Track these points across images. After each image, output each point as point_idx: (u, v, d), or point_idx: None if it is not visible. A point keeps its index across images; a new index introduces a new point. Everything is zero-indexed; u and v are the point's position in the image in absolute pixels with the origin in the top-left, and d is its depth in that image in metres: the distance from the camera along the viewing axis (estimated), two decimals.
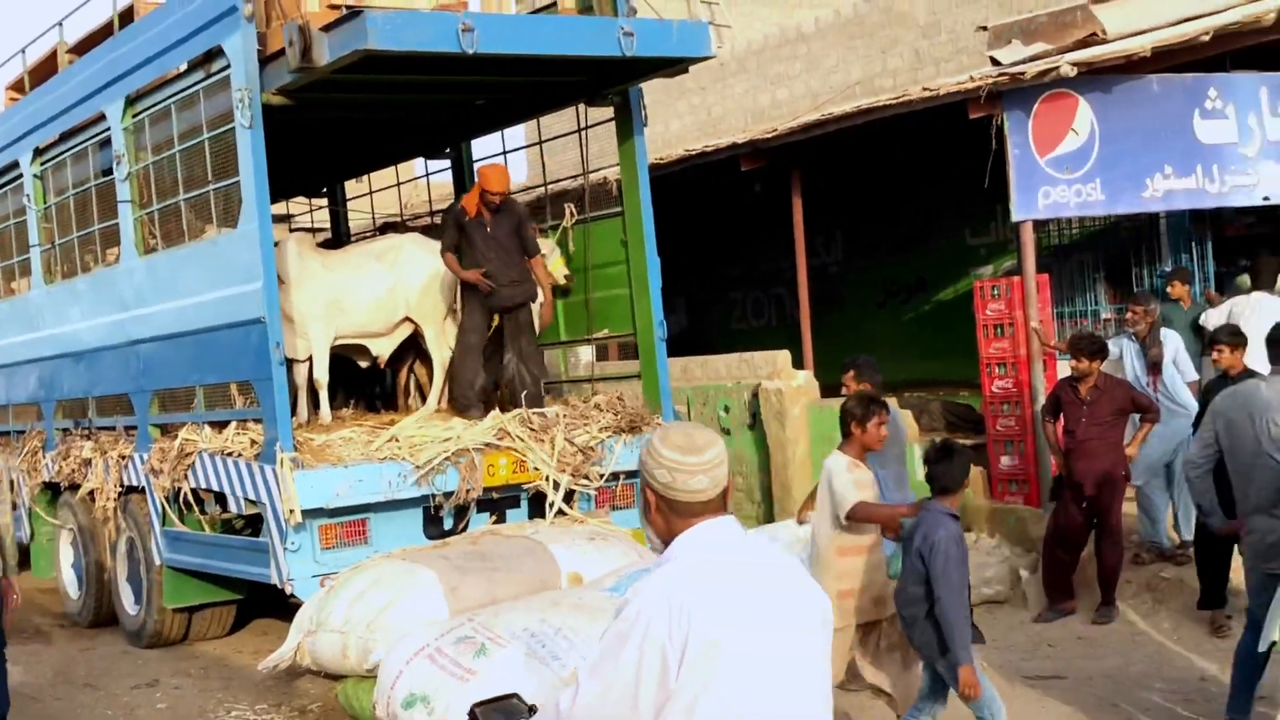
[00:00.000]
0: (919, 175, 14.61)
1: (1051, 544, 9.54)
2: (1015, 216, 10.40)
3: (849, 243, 16.11)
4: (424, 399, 10.77)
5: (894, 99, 11.36)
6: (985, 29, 11.85)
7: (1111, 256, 12.86)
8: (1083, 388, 9.25)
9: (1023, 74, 9.99)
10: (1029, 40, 11.04)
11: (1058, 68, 9.89)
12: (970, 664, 6.10)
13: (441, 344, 10.22)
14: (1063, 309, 12.43)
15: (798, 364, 12.35)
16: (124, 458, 10.45)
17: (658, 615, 2.91)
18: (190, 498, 9.57)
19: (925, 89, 10.98)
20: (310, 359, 9.92)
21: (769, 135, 12.43)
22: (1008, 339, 10.76)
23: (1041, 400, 10.22)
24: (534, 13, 10.83)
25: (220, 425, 9.42)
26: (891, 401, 12.00)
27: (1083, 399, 9.24)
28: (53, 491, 12.05)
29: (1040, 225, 11.85)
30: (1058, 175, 10.43)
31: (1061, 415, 9.41)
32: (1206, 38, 10.49)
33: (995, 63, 10.75)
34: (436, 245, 10.21)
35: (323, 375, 9.89)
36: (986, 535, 10.66)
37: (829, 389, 11.25)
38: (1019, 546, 10.38)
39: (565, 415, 9.48)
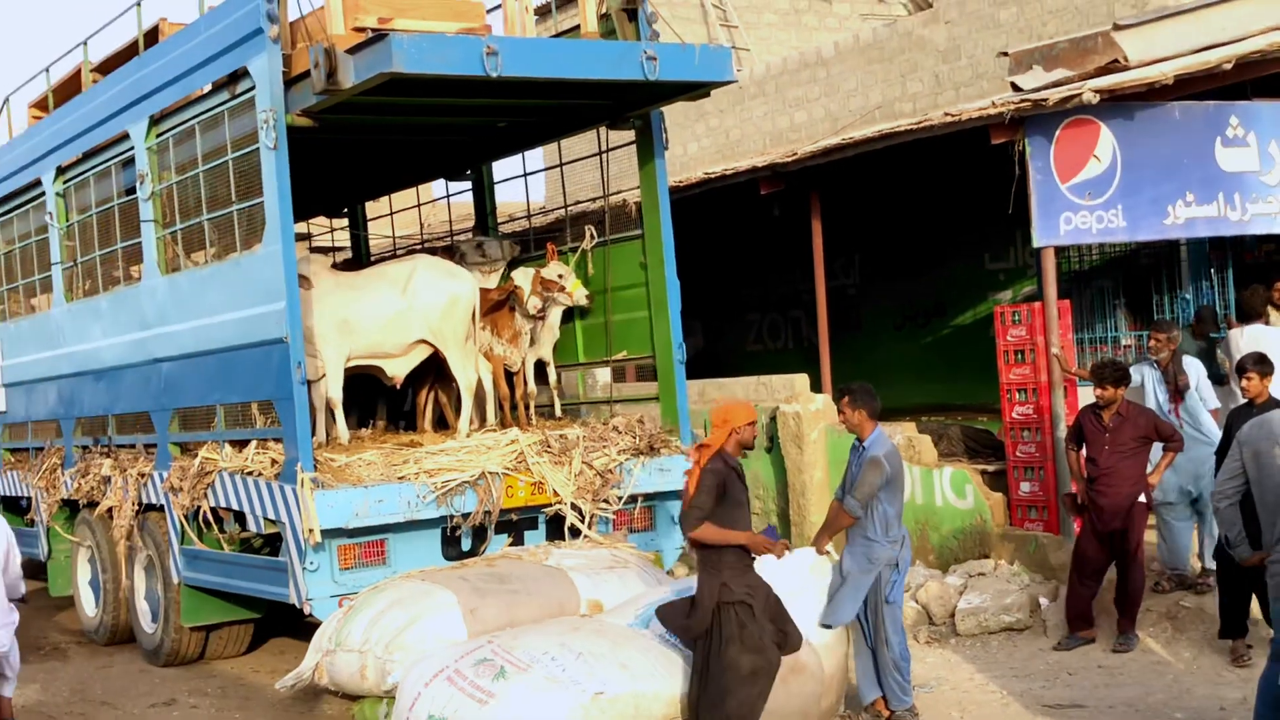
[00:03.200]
0: (937, 199, 14.60)
1: (1073, 571, 9.50)
2: (1037, 242, 10.37)
3: (867, 266, 16.09)
4: (446, 420, 10.76)
5: (915, 124, 11.35)
6: (1006, 55, 11.85)
7: (1131, 283, 12.83)
8: (1106, 415, 9.22)
9: (1045, 100, 9.97)
10: (1050, 66, 11.04)
11: (1080, 94, 9.87)
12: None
13: (466, 366, 10.10)
14: (1083, 335, 12.38)
15: (815, 387, 12.33)
16: (143, 475, 10.46)
17: None
18: (209, 516, 9.59)
19: (947, 114, 10.97)
20: (324, 378, 9.84)
21: (788, 159, 12.43)
22: (1029, 364, 10.72)
23: (1062, 426, 10.18)
24: (557, 36, 10.85)
25: (240, 444, 9.44)
26: (906, 427, 12.05)
27: (1105, 426, 9.20)
28: (71, 509, 12.06)
29: (1060, 251, 11.82)
30: (1079, 201, 10.40)
31: (1084, 443, 9.38)
32: (1228, 66, 10.47)
33: (1016, 88, 10.74)
34: (451, 267, 10.21)
35: (336, 395, 9.81)
36: (1006, 562, 10.61)
37: None
38: (1038, 574, 10.32)
39: (584, 438, 9.47)
